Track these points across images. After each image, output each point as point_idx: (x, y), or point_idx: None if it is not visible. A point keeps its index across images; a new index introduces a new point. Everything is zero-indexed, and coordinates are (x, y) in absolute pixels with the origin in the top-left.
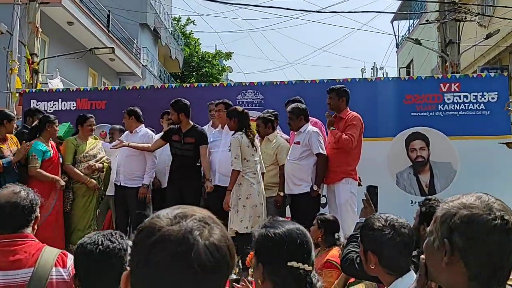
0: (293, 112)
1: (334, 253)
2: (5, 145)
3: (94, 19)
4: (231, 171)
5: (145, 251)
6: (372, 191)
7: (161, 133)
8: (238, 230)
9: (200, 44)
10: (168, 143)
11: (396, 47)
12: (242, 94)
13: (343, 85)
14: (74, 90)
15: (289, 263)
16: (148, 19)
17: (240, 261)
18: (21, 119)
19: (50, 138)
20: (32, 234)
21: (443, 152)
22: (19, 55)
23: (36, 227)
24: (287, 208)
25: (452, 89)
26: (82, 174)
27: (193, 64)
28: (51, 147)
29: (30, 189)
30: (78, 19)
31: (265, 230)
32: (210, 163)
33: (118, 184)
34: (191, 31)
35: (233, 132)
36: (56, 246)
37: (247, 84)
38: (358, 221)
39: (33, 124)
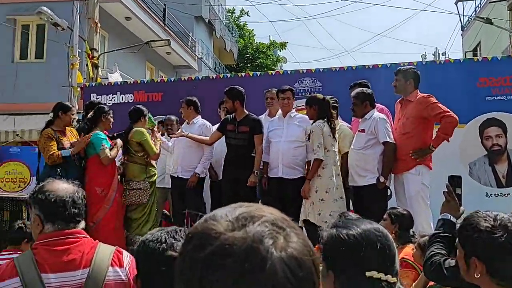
0: (358, 97)
1: (408, 251)
2: (65, 137)
3: (151, 13)
4: (307, 161)
5: (197, 268)
6: (455, 181)
7: (218, 125)
8: (316, 223)
9: (254, 35)
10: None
11: (461, 29)
12: (299, 82)
13: (412, 67)
14: (132, 83)
15: (367, 273)
16: (203, 11)
17: None
18: (82, 113)
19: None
20: (84, 231)
21: None
22: (79, 51)
23: (92, 223)
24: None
25: None
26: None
27: (248, 55)
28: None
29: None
30: (135, 14)
31: (336, 230)
32: (271, 153)
33: (176, 176)
34: (245, 22)
35: (301, 119)
36: (116, 240)
37: (304, 72)
38: (441, 217)
39: (88, 116)
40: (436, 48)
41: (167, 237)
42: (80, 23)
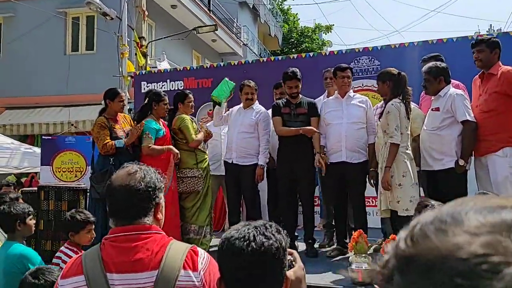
0: (431, 72)
1: None
2: (118, 125)
3: (196, 0)
4: (372, 145)
5: None
6: None
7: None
8: (398, 212)
9: (299, 19)
10: None
11: None
12: (356, 61)
13: (493, 36)
14: (181, 69)
15: None
16: None
17: None
18: (133, 102)
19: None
20: (156, 225)
21: None
22: (128, 39)
23: (160, 215)
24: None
25: None
26: (205, 133)
27: (293, 40)
28: (163, 125)
29: (151, 168)
30: (181, 1)
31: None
32: (331, 136)
33: (230, 162)
34: (289, 6)
35: (361, 99)
36: (172, 229)
37: (361, 50)
38: None
39: (144, 104)
40: (491, 25)
41: (256, 234)
42: (128, 12)
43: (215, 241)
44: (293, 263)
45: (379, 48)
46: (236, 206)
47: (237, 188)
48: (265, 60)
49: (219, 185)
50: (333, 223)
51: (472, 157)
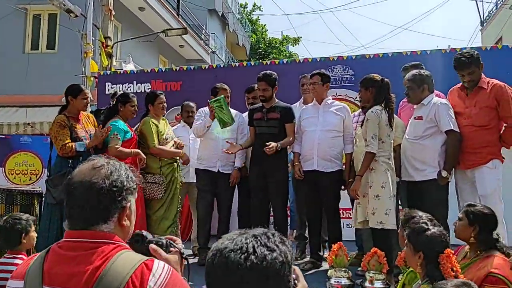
0: (414, 80)
1: (499, 263)
2: (79, 125)
3: (165, 4)
4: (346, 154)
5: None
6: None
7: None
8: (370, 224)
9: (267, 30)
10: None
11: (481, 25)
12: (330, 70)
13: (473, 51)
14: (149, 71)
15: None
16: (216, 4)
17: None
18: (95, 104)
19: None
20: (119, 234)
21: None
22: (93, 39)
23: (125, 222)
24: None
25: None
26: (174, 150)
27: (260, 50)
28: (129, 128)
29: (123, 164)
30: (149, 4)
31: None
32: (304, 143)
33: (216, 171)
34: (258, 17)
35: (338, 106)
36: None
37: (335, 59)
38: None
39: (110, 105)
40: (449, 45)
41: (256, 245)
42: (94, 11)
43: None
44: (296, 281)
45: (353, 58)
46: (208, 217)
47: (213, 197)
48: (237, 65)
49: (186, 193)
50: (306, 235)
51: (454, 170)
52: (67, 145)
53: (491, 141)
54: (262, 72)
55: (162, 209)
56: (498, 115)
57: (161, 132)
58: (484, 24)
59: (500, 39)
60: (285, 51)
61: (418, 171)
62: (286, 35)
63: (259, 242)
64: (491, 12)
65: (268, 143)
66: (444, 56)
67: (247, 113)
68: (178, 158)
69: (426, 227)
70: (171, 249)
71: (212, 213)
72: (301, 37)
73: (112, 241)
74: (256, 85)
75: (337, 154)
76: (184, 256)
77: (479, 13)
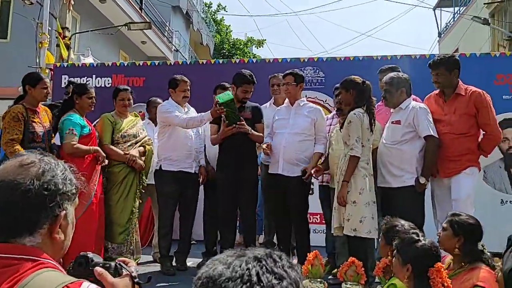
0: (392, 82)
1: (485, 275)
2: (38, 118)
3: None
4: (317, 156)
5: None
6: None
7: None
8: (344, 231)
9: (231, 31)
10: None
11: (438, 36)
12: (300, 71)
13: (452, 55)
14: (110, 65)
15: None
16: (181, 1)
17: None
18: (50, 98)
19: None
20: (47, 251)
21: None
22: (49, 28)
23: (58, 235)
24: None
25: None
26: (122, 153)
27: (224, 51)
28: (87, 122)
29: (61, 163)
30: None
31: None
32: (273, 146)
33: (193, 172)
34: (222, 17)
35: (310, 109)
36: (97, 247)
37: (306, 60)
38: None
39: (65, 98)
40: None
41: (260, 272)
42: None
43: (145, 258)
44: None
45: (324, 60)
46: (171, 223)
47: (177, 202)
48: (204, 63)
49: (148, 196)
50: (274, 241)
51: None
52: (14, 145)
53: (470, 149)
54: (248, 73)
55: (112, 213)
56: (477, 123)
57: (119, 129)
58: (442, 35)
59: (457, 50)
60: (249, 53)
61: (395, 177)
62: (251, 37)
63: (264, 267)
64: (448, 24)
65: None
66: (414, 61)
67: None
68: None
69: (417, 238)
70: (122, 271)
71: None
72: (265, 40)
73: (34, 258)
74: (226, 84)
75: (304, 158)
76: (136, 280)
77: (437, 24)
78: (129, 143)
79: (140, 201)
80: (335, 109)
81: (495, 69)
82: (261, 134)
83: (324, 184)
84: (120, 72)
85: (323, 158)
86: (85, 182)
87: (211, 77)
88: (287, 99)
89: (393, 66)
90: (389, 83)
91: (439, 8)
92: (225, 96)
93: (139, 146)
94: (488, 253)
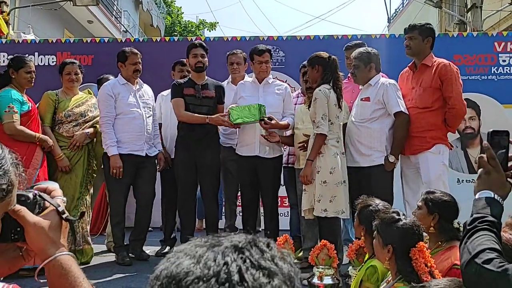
0: (362, 58)
1: None
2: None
3: None
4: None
5: None
6: (499, 141)
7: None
8: (315, 212)
9: (183, 13)
10: None
11: (388, 21)
12: None
13: (426, 24)
14: (54, 41)
15: None
16: None
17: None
18: None
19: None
20: None
21: (496, 123)
22: None
23: None
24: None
25: (509, 49)
26: (54, 145)
27: (175, 34)
28: (27, 99)
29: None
30: None
31: None
32: (243, 126)
33: (144, 155)
34: None
35: (279, 86)
36: None
37: (265, 39)
38: (480, 195)
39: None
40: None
41: (242, 268)
42: None
43: (98, 247)
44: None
45: (284, 39)
46: (123, 209)
47: (129, 187)
48: (158, 40)
49: (103, 181)
50: (236, 226)
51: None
52: None
53: (434, 124)
54: (196, 41)
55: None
56: (442, 97)
57: (63, 108)
58: (391, 21)
59: None
60: (202, 35)
61: (364, 156)
62: (203, 20)
63: (248, 261)
64: (397, 10)
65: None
66: (375, 41)
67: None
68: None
69: (397, 217)
70: (44, 204)
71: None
72: (217, 23)
73: None
74: (185, 60)
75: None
76: (65, 216)
77: (387, 10)
78: (75, 123)
79: (91, 187)
80: (306, 88)
81: (452, 49)
82: (220, 117)
83: (289, 165)
84: (65, 49)
85: (288, 132)
86: (24, 169)
87: (165, 55)
88: (248, 76)
89: (360, 42)
90: (358, 58)
91: None
92: (238, 111)
93: (90, 126)
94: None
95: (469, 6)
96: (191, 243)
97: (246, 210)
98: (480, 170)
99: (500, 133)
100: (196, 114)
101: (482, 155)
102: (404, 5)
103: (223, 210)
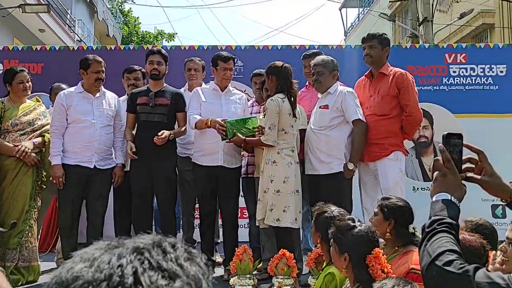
0: (327, 64)
1: (417, 258)
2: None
3: None
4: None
5: None
6: (454, 142)
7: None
8: (266, 221)
9: (140, 23)
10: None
11: (344, 35)
12: None
13: (383, 34)
14: (1, 49)
15: None
16: None
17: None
18: None
19: None
20: None
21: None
22: None
23: None
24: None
25: (458, 60)
26: (10, 145)
27: (132, 44)
28: None
29: None
30: None
31: None
32: (206, 135)
33: (92, 167)
34: (130, 8)
35: (239, 95)
36: None
37: (223, 48)
38: (437, 197)
39: None
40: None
41: (139, 269)
42: None
43: (48, 265)
44: None
45: (242, 48)
46: (76, 223)
47: (81, 199)
48: (113, 48)
49: (53, 193)
50: (194, 238)
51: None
52: None
53: (392, 132)
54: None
55: (2, 214)
56: (400, 104)
57: (9, 117)
58: (347, 34)
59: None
60: (159, 45)
61: (323, 163)
62: (161, 30)
63: (146, 262)
64: (353, 23)
65: (160, 133)
66: (332, 52)
67: (124, 96)
68: (42, 149)
69: (353, 224)
70: None
71: (79, 217)
72: (176, 33)
73: None
74: (136, 66)
75: (238, 148)
76: None
77: (343, 24)
78: (22, 132)
79: (40, 200)
80: (266, 96)
81: (406, 60)
82: (180, 130)
83: (248, 176)
84: (14, 57)
85: None
86: None
87: (120, 64)
88: (205, 84)
89: (317, 51)
90: (322, 65)
91: (345, 8)
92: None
93: (38, 135)
94: (420, 236)
95: (421, 20)
96: (92, 246)
97: (204, 222)
98: (436, 173)
99: (454, 135)
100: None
101: (438, 158)
102: (360, 19)
103: (181, 223)
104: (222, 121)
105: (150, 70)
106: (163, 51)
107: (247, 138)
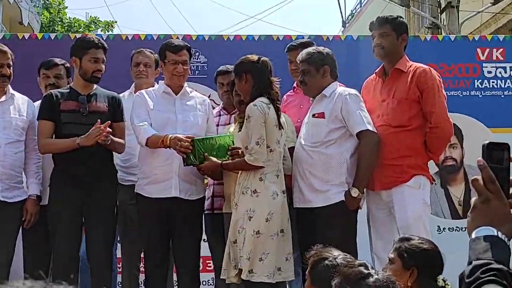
0: (312, 60)
1: None
2: None
3: None
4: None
5: None
6: (498, 156)
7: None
8: (242, 275)
9: (66, 7)
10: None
11: (343, 26)
12: None
13: (398, 16)
14: None
15: None
16: None
17: None
18: None
19: None
20: None
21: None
22: None
23: None
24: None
25: (494, 57)
26: None
27: (55, 34)
28: None
29: None
30: None
31: None
32: (155, 154)
33: None
34: None
35: (201, 100)
36: None
37: (179, 38)
38: (478, 234)
39: None
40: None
41: None
42: None
43: None
44: None
45: (206, 39)
46: None
47: None
48: (27, 38)
49: None
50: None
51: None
52: None
53: (413, 149)
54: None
55: None
56: (422, 112)
57: None
58: (346, 26)
59: None
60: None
61: (318, 192)
62: (95, 17)
63: None
64: (353, 11)
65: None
66: (327, 44)
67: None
68: None
69: (367, 271)
70: None
71: None
72: (115, 22)
73: None
74: (57, 59)
75: (199, 174)
76: None
77: (341, 14)
78: None
79: None
80: (238, 102)
81: (425, 57)
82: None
83: (214, 212)
84: None
85: None
86: None
87: (36, 57)
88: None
89: (307, 40)
90: (307, 61)
91: None
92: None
93: None
94: None
95: (443, 6)
96: None
97: (153, 277)
98: (474, 199)
99: (499, 146)
100: (61, 140)
101: (476, 177)
102: (363, 5)
103: (121, 279)
104: (186, 138)
105: (92, 70)
106: (104, 43)
107: (223, 162)
